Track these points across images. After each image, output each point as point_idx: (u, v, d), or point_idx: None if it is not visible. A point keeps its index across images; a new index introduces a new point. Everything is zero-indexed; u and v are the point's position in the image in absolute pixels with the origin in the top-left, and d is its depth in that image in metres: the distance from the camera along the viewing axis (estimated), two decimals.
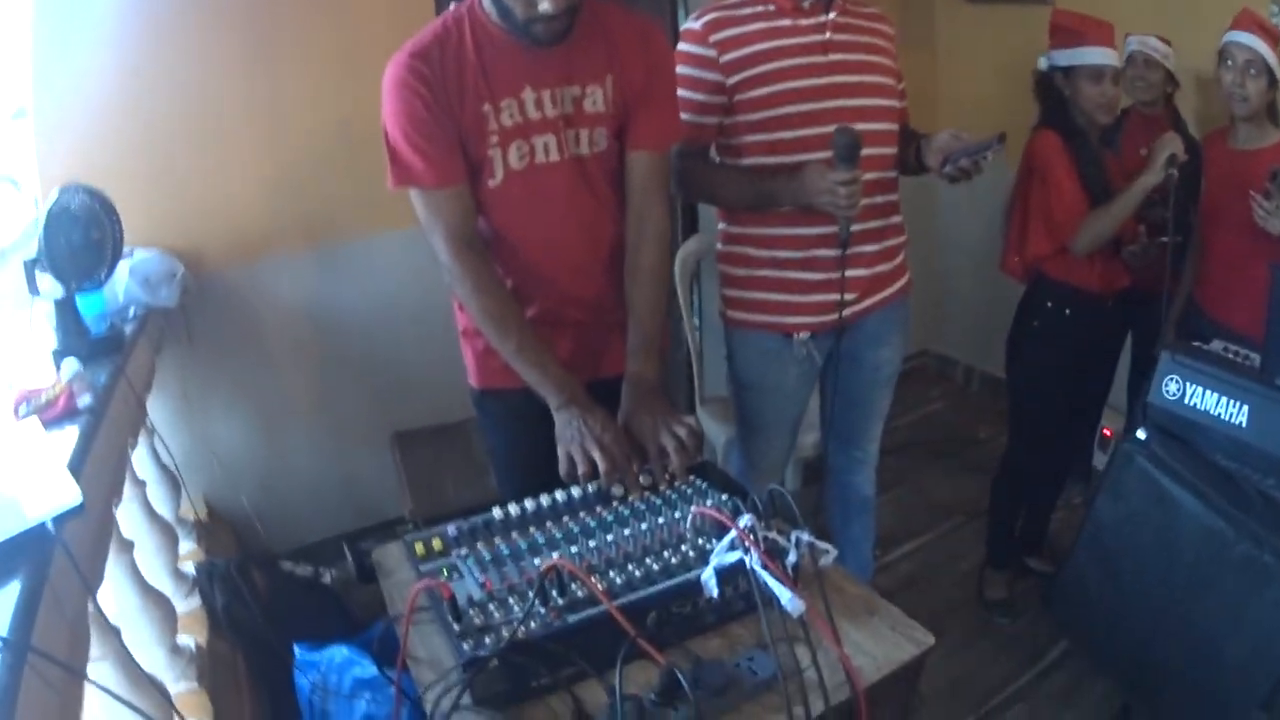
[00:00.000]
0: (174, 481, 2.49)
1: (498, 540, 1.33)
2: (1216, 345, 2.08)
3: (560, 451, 1.55)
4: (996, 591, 2.91)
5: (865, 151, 1.78)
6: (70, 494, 1.15)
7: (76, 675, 1.12)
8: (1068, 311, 2.54)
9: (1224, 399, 1.84)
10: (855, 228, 1.87)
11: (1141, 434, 2.00)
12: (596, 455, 1.48)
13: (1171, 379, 1.96)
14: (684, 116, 1.82)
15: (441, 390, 2.86)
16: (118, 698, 1.14)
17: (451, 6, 1.64)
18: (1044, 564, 3.01)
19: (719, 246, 2.10)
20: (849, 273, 1.91)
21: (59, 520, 1.11)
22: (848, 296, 1.92)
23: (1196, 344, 2.07)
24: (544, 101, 1.62)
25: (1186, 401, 1.93)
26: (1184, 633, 1.84)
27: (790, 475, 3.30)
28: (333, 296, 2.97)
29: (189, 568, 2.37)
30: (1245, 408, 1.79)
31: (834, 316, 1.93)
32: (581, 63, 1.64)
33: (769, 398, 2.10)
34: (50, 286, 1.91)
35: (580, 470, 1.49)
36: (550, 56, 1.60)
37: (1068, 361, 2.60)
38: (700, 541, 1.27)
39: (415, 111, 1.55)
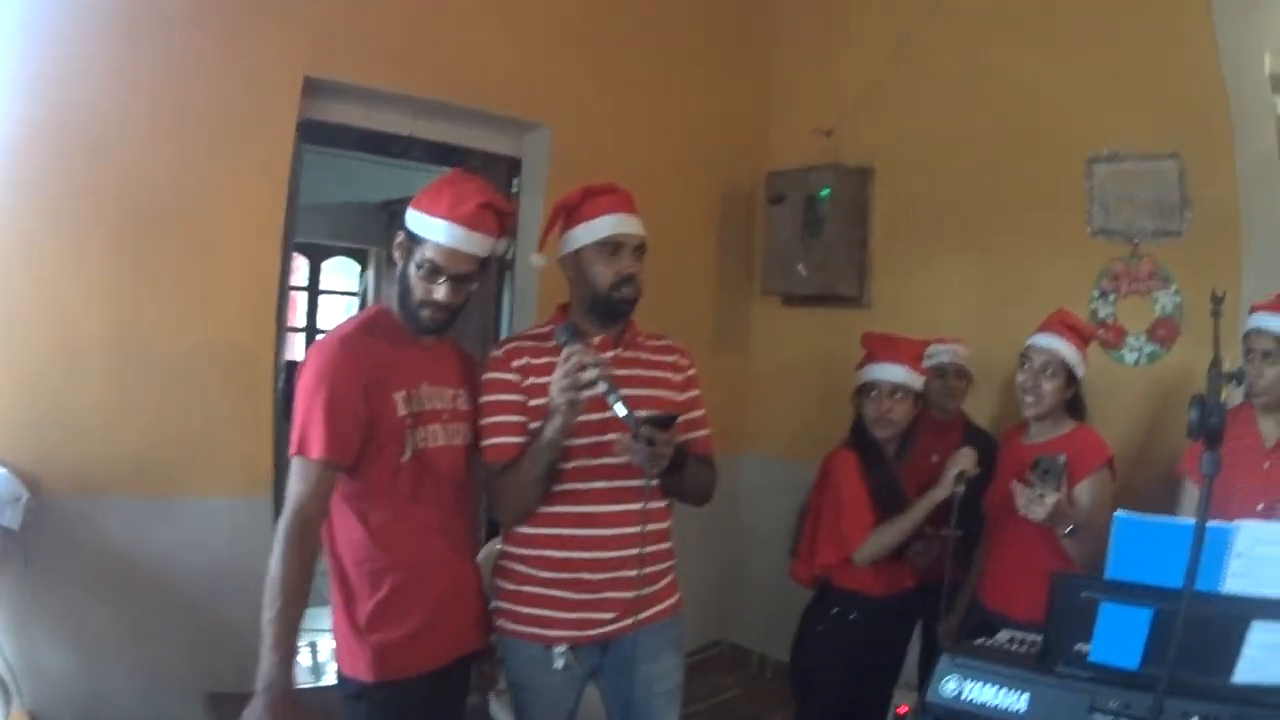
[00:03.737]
0: (5, 690, 2.40)
1: None
2: (1003, 636, 2.09)
3: None
4: None
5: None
6: None
7: None
8: (852, 616, 2.62)
9: (1003, 689, 1.84)
10: (618, 553, 2.04)
11: None
12: None
13: (949, 679, 1.94)
14: (497, 440, 2.04)
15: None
16: None
17: (370, 306, 1.98)
18: None
19: (498, 562, 2.21)
20: (610, 594, 2.06)
21: None
22: (607, 615, 2.07)
23: (980, 640, 2.08)
24: (435, 395, 1.98)
25: (964, 697, 1.91)
26: None
27: None
28: (164, 547, 2.86)
29: None
30: (1025, 695, 1.80)
31: (595, 632, 2.07)
32: (454, 369, 2.07)
33: (536, 699, 2.17)
34: None
35: None
36: (440, 359, 2.04)
37: (853, 659, 2.65)
38: None
39: (336, 390, 1.81)
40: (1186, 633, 1.37)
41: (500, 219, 2.00)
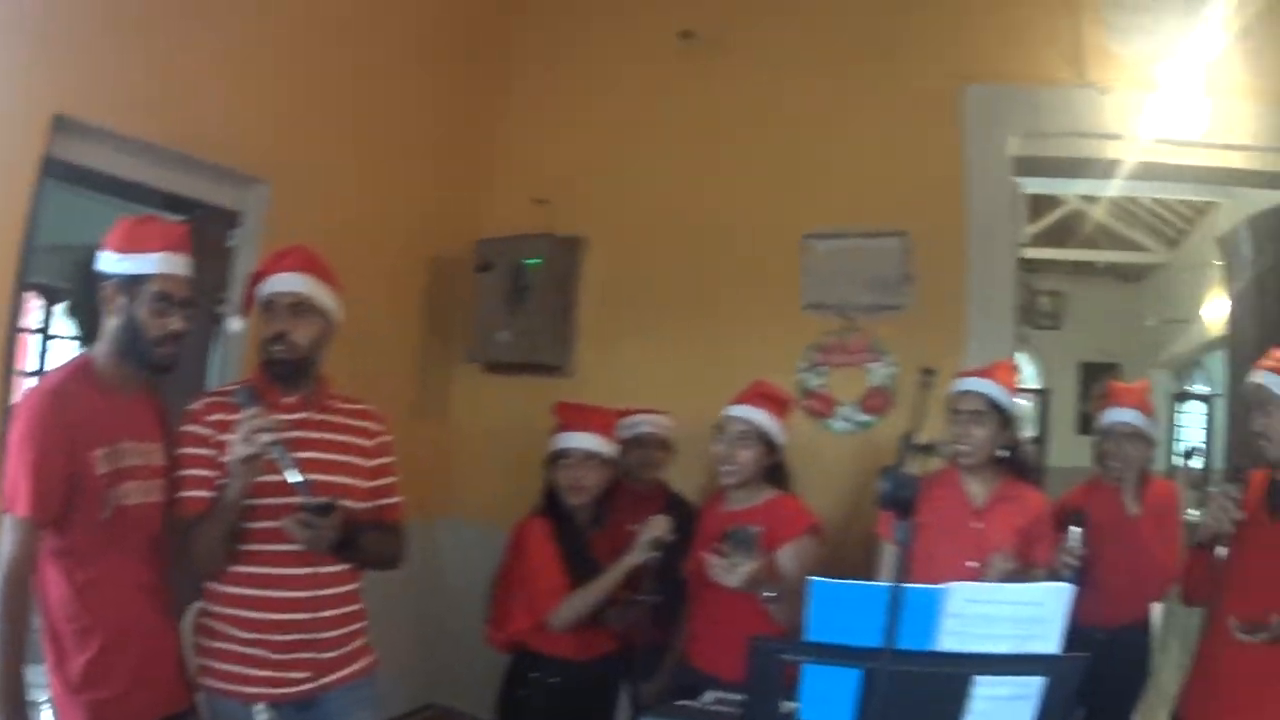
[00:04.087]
0: None
1: None
2: (709, 697, 2.18)
3: None
4: None
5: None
6: None
7: None
8: (553, 680, 2.62)
9: None
10: (305, 615, 2.09)
11: None
12: None
13: None
14: (188, 493, 2.05)
15: None
16: None
17: (76, 356, 2.00)
18: None
19: (197, 619, 2.19)
20: (301, 654, 2.10)
21: None
22: (301, 674, 2.10)
23: (683, 702, 2.18)
24: (134, 451, 1.98)
25: None
26: None
27: None
28: None
29: None
30: None
31: (290, 690, 2.09)
32: (153, 422, 2.08)
33: None
34: None
35: None
36: (141, 411, 2.05)
37: None
38: None
39: (42, 446, 1.81)
40: (908, 691, 1.44)
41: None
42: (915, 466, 1.41)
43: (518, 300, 3.82)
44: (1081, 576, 2.50)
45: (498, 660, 2.76)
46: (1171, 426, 14.05)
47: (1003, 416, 2.52)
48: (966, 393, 2.54)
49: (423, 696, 4.04)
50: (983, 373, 2.59)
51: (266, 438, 1.91)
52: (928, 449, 1.55)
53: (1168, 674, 2.66)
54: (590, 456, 2.68)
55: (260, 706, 2.07)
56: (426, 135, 3.90)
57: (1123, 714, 2.96)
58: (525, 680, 2.65)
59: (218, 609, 2.12)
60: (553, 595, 2.56)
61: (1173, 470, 12.40)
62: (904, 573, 1.35)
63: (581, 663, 2.63)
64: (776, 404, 2.65)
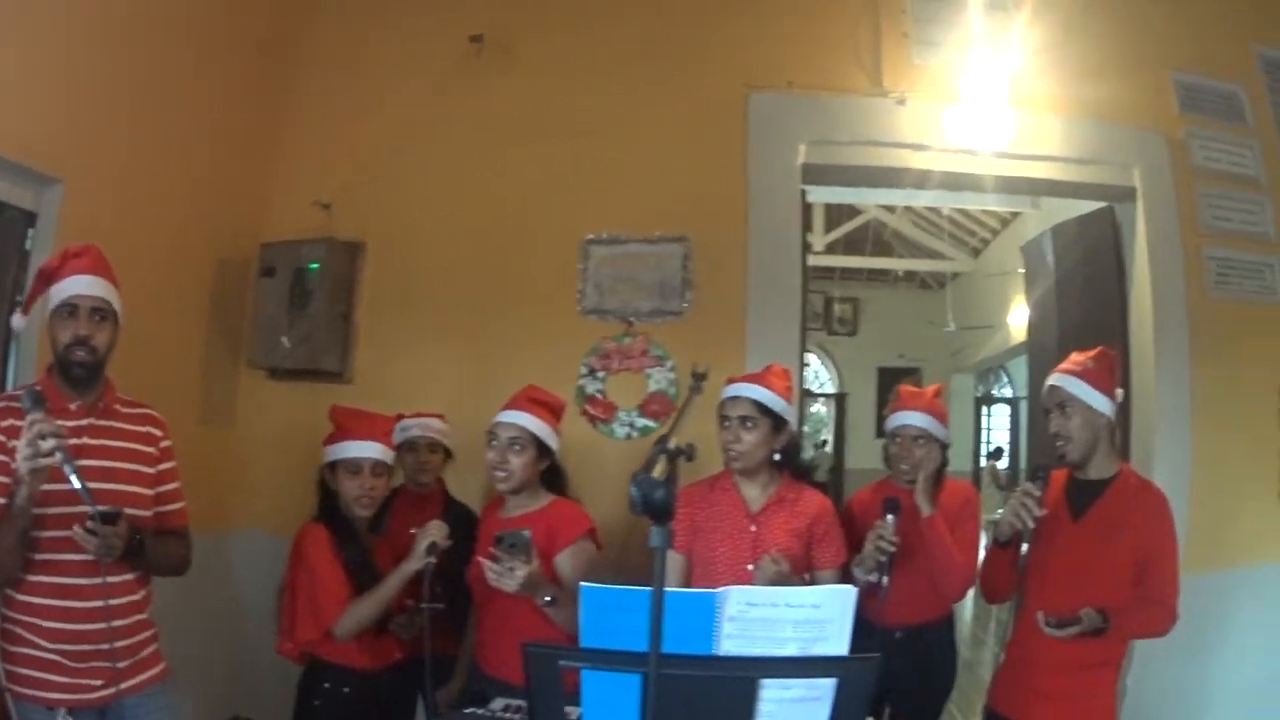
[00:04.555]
0: None
1: None
2: (497, 704, 2.22)
3: None
4: None
5: None
6: None
7: None
8: (346, 690, 2.59)
9: None
10: (96, 625, 2.08)
11: None
12: None
13: None
14: None
15: None
16: None
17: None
18: None
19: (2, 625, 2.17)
20: (96, 663, 2.12)
21: None
22: (96, 681, 2.13)
23: (470, 709, 2.20)
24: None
25: None
26: None
27: None
28: None
29: None
30: None
31: (89, 696, 2.12)
32: None
33: None
34: None
35: None
36: None
37: None
38: None
39: None
40: (692, 696, 1.45)
41: None
42: (662, 471, 1.39)
43: (299, 305, 3.72)
44: (892, 565, 2.61)
45: (292, 670, 2.71)
46: (977, 429, 14.98)
47: (774, 420, 2.56)
48: (736, 398, 2.57)
49: (225, 708, 3.86)
50: (753, 378, 2.62)
51: (49, 444, 1.89)
52: (680, 453, 1.48)
53: (986, 668, 2.71)
54: (379, 465, 2.66)
55: (62, 712, 2.10)
56: (213, 136, 3.72)
57: (930, 710, 3.02)
58: (318, 690, 2.62)
59: (18, 616, 2.12)
60: (337, 604, 2.53)
61: (979, 471, 13.20)
62: (661, 577, 1.35)
63: (372, 671, 2.61)
64: (547, 409, 2.65)
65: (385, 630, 2.59)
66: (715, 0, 3.94)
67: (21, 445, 1.90)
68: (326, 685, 2.59)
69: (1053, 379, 2.55)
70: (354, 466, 2.62)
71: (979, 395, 15.23)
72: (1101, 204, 4.25)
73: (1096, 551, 2.40)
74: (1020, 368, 11.80)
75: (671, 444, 1.48)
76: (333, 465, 2.64)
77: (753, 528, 2.55)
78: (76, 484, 1.91)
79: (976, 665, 2.67)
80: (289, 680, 2.72)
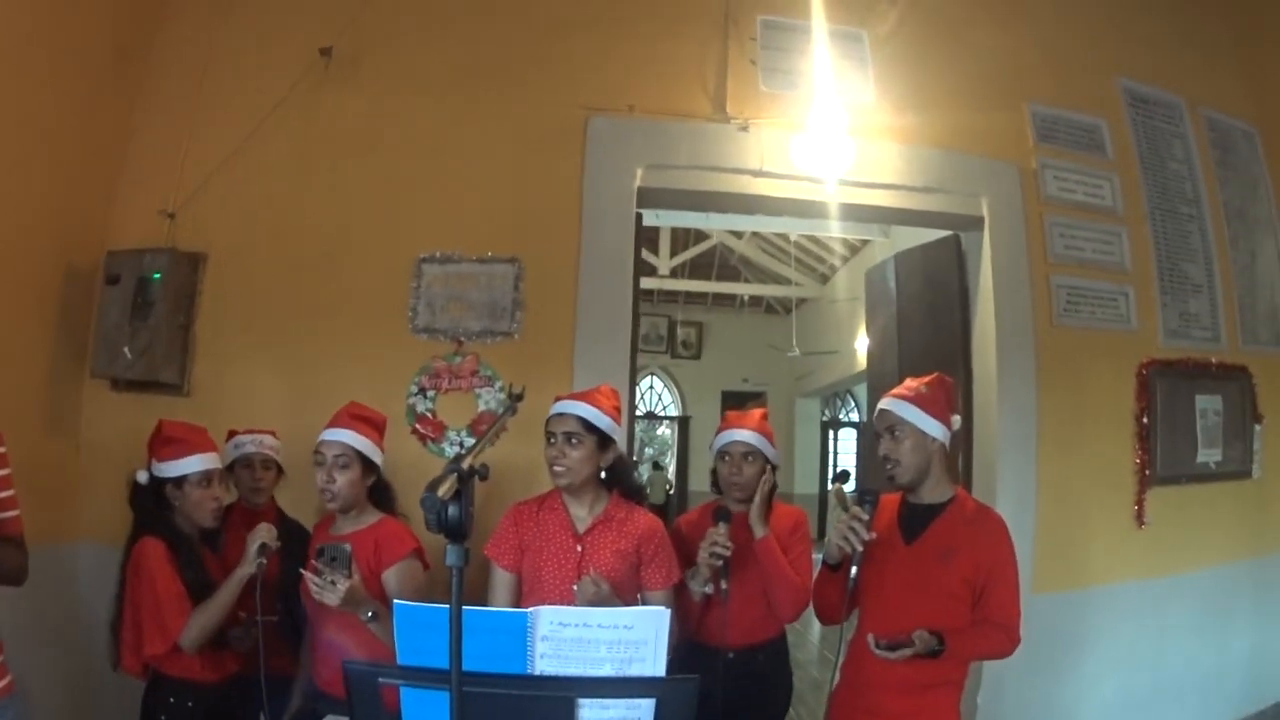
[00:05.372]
0: None
1: None
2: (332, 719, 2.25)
3: None
4: None
5: None
6: None
7: None
8: (190, 704, 2.60)
9: None
10: None
11: None
12: None
13: None
14: None
15: None
16: None
17: None
18: None
19: None
20: None
21: None
22: None
23: None
24: None
25: None
26: None
27: None
28: None
29: None
30: None
31: None
32: None
33: None
34: None
35: None
36: None
37: None
38: None
39: None
40: (511, 714, 1.50)
41: None
42: (449, 489, 1.40)
43: (141, 315, 3.65)
44: (729, 570, 2.67)
45: (137, 685, 2.70)
46: (824, 453, 15.39)
47: (600, 438, 2.56)
48: (562, 415, 2.57)
49: None
50: (580, 396, 2.62)
51: None
52: (474, 473, 1.50)
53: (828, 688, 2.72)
54: (212, 475, 2.72)
55: None
56: (60, 139, 3.61)
57: None
58: (163, 705, 2.62)
59: None
60: (181, 616, 2.54)
61: (826, 494, 13.52)
62: (460, 596, 1.36)
63: (212, 684, 2.63)
64: (370, 425, 2.70)
65: (223, 643, 2.63)
66: (560, 22, 3.94)
67: None
68: (171, 700, 2.60)
69: (883, 403, 2.59)
70: (204, 478, 2.67)
71: (825, 419, 15.65)
72: (947, 233, 4.35)
73: (930, 574, 2.41)
74: (863, 394, 12.13)
75: (465, 464, 1.48)
76: (170, 480, 2.66)
77: (578, 547, 2.53)
78: None
79: (825, 685, 2.64)
80: (132, 695, 2.71)
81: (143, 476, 2.71)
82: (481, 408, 3.67)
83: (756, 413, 3.08)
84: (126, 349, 3.63)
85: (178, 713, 2.60)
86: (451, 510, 1.37)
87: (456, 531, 1.37)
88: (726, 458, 2.96)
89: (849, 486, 12.95)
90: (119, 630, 2.68)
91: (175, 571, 2.57)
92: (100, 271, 3.76)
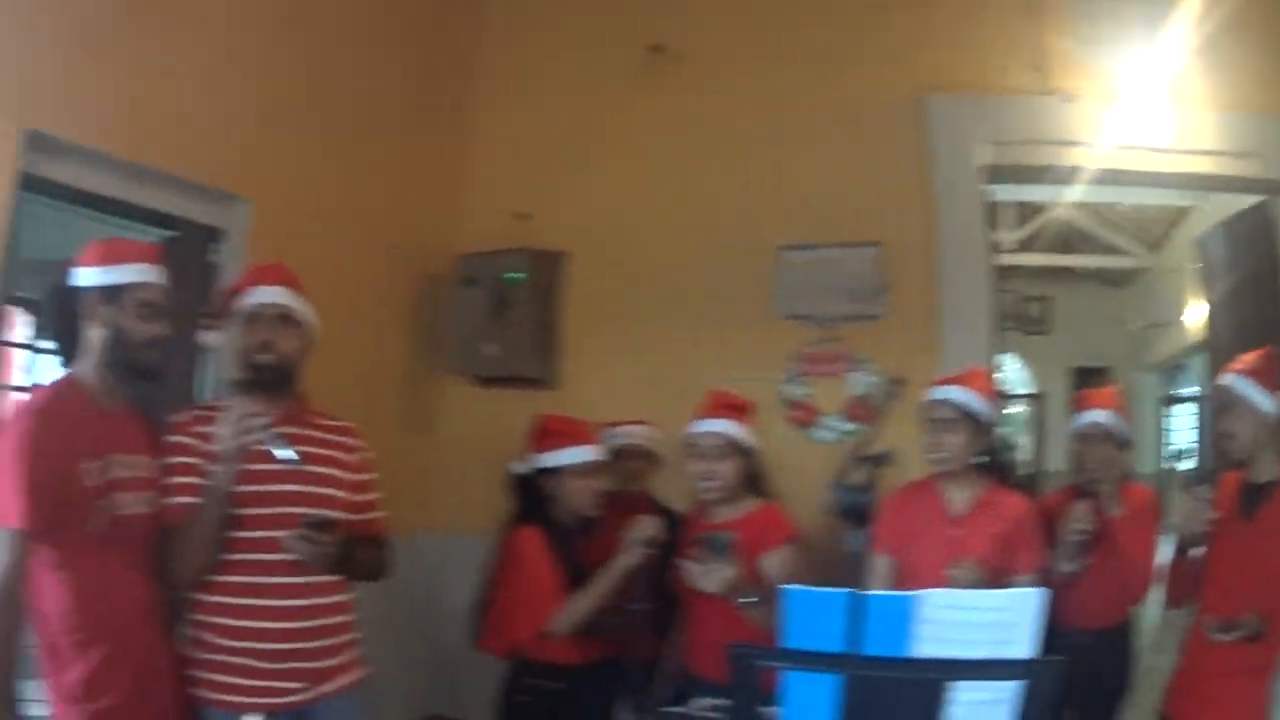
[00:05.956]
0: None
1: None
2: (702, 703, 2.21)
3: None
4: None
5: None
6: None
7: None
8: (553, 686, 2.63)
9: None
10: (296, 624, 2.10)
11: None
12: None
13: None
14: (177, 499, 2.07)
15: None
16: None
17: (61, 376, 2.03)
18: None
19: (189, 632, 2.18)
20: (295, 664, 2.11)
21: None
22: (295, 684, 2.11)
23: (671, 709, 2.24)
24: (126, 463, 1.99)
25: None
26: None
27: None
28: None
29: None
30: None
31: (284, 700, 2.09)
32: (142, 437, 2.08)
33: None
34: None
35: None
36: (129, 427, 2.06)
37: None
38: None
39: (32, 460, 1.81)
40: (885, 696, 1.47)
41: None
42: (862, 476, 1.44)
43: (500, 314, 3.87)
44: (1088, 550, 2.65)
45: (490, 668, 2.77)
46: (1160, 430, 14.07)
47: (977, 424, 2.54)
48: (940, 401, 2.56)
49: (424, 708, 4.03)
50: (956, 380, 2.62)
51: (259, 421, 1.98)
52: (879, 459, 1.56)
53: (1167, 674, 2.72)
54: (592, 469, 2.75)
55: (254, 717, 2.06)
56: (401, 150, 3.94)
57: (1108, 715, 3.00)
58: (524, 687, 2.66)
59: (207, 619, 2.11)
60: (554, 601, 2.58)
61: (1163, 473, 12.42)
62: (861, 580, 1.45)
63: (580, 668, 2.64)
64: (740, 411, 2.68)
65: (593, 630, 2.63)
66: (879, 5, 3.94)
67: (225, 424, 1.98)
68: (534, 682, 2.64)
69: (1223, 378, 2.51)
70: (585, 470, 2.69)
71: (1162, 395, 14.32)
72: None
73: (1264, 553, 2.33)
74: (1199, 367, 11.06)
75: (872, 450, 1.55)
76: (549, 470, 2.70)
77: (956, 532, 2.52)
78: (290, 454, 1.99)
79: (1157, 670, 2.65)
80: (485, 678, 2.79)
81: (521, 468, 2.77)
82: (854, 392, 3.64)
83: (1109, 391, 3.05)
84: (489, 347, 3.85)
85: (541, 694, 2.64)
86: (861, 497, 1.37)
87: (859, 517, 1.39)
88: (1083, 439, 2.97)
89: (1187, 465, 11.80)
90: (485, 611, 2.77)
91: (551, 560, 2.62)
92: (452, 274, 4.02)
